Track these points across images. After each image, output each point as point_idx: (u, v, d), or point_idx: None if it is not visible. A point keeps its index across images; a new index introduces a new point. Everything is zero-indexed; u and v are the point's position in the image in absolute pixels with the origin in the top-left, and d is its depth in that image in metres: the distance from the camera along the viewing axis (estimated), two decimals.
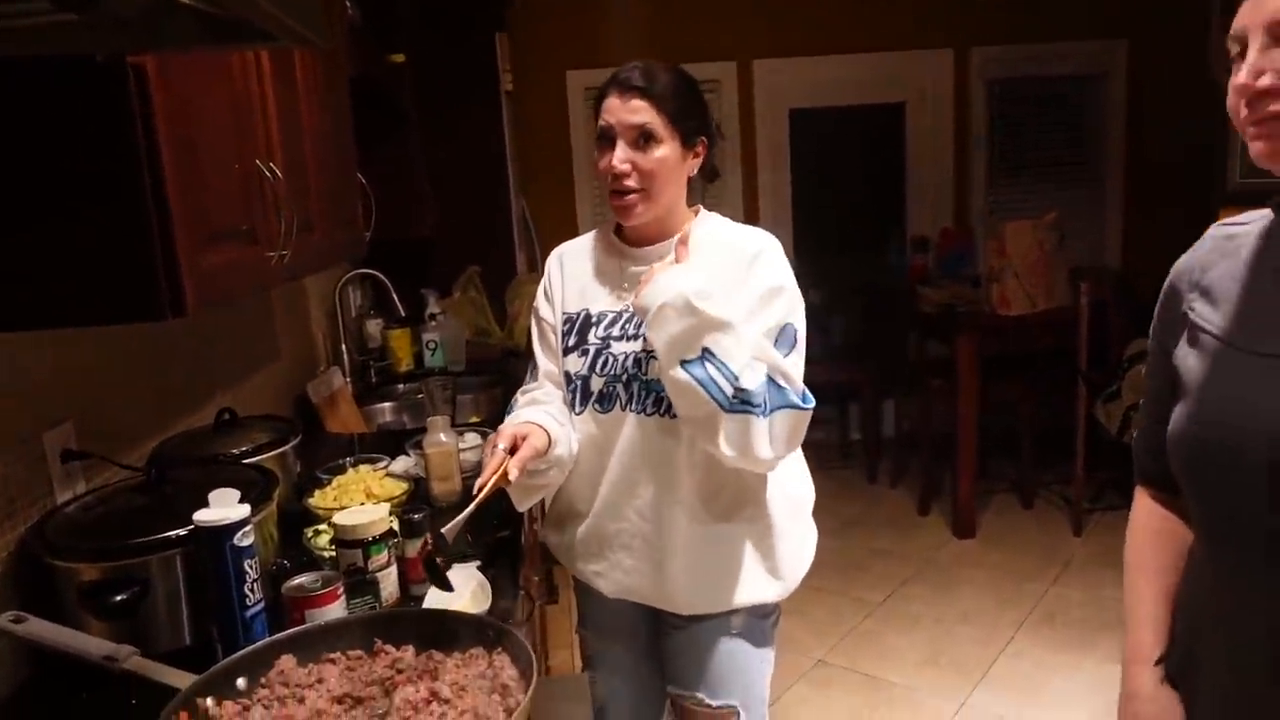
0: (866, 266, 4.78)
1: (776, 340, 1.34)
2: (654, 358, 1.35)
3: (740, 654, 1.50)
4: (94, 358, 1.41)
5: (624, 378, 1.42)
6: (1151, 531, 1.06)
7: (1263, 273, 0.90)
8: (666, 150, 1.39)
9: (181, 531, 1.16)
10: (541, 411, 1.44)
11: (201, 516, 1.14)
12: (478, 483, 1.27)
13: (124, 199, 0.98)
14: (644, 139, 1.37)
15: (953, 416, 3.69)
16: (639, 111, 1.37)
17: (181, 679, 0.98)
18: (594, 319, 1.47)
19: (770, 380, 1.31)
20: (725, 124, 4.61)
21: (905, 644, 3.00)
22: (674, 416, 1.36)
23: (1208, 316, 0.94)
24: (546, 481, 1.45)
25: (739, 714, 1.51)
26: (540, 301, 1.56)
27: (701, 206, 1.51)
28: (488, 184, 3.50)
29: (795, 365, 1.35)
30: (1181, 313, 0.98)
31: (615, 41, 4.37)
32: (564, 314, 1.50)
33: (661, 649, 1.56)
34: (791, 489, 1.50)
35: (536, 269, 4.04)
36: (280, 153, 1.41)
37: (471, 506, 1.23)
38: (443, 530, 1.20)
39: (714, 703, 1.50)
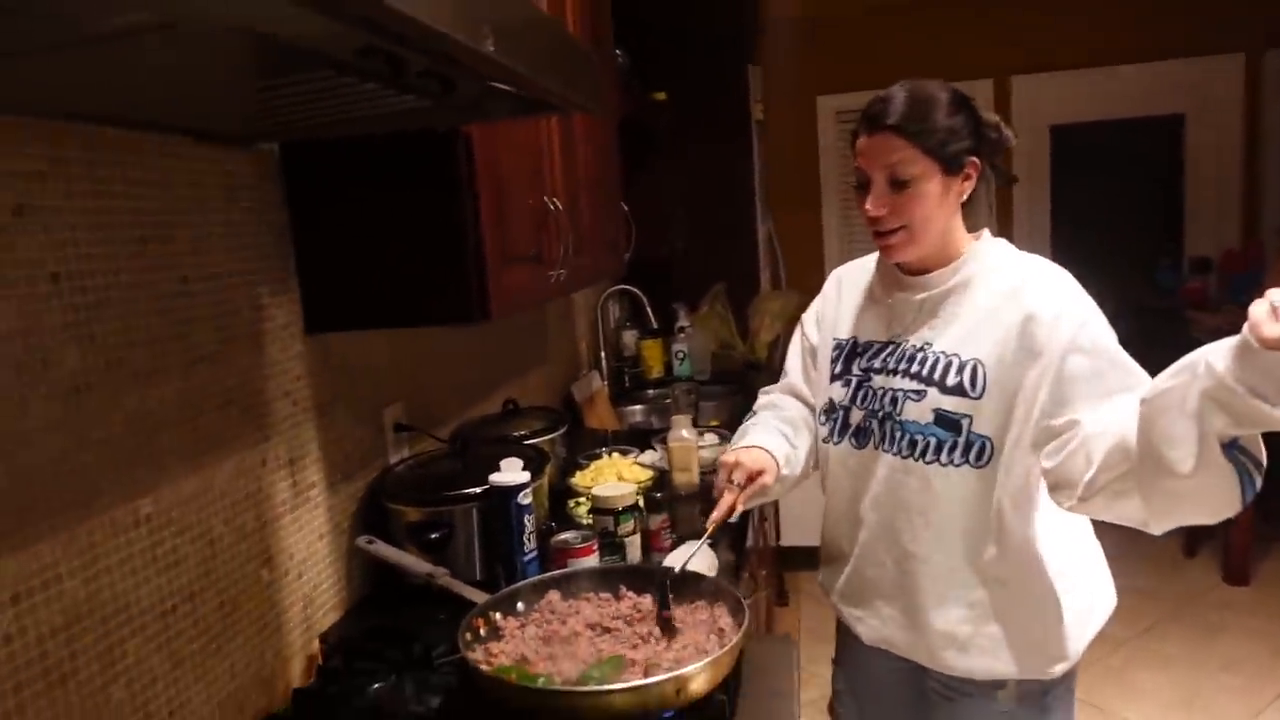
0: (1134, 289, 4.50)
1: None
2: (912, 398, 1.31)
3: None
4: (417, 354, 1.79)
5: (879, 414, 1.36)
6: None
7: None
8: (925, 186, 1.27)
9: (479, 489, 1.48)
10: (774, 429, 1.46)
11: (495, 478, 1.46)
12: (711, 518, 1.34)
13: (453, 231, 1.30)
14: (899, 180, 1.27)
15: None
16: (888, 152, 1.27)
17: (478, 596, 1.28)
18: (860, 348, 1.42)
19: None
20: None
21: (1154, 685, 2.85)
22: (928, 462, 1.30)
23: None
24: (772, 496, 1.46)
25: None
26: (810, 318, 1.56)
27: (986, 232, 1.39)
28: (735, 207, 3.74)
29: None
30: None
31: (866, 65, 4.47)
32: (834, 339, 1.46)
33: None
34: (1077, 546, 1.38)
35: (780, 287, 4.23)
36: (562, 190, 1.72)
37: (704, 539, 1.35)
38: (675, 568, 1.31)
39: None
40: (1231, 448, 1.00)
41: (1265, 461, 1.03)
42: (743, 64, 3.72)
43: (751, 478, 1.36)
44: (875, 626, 1.42)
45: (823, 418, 1.45)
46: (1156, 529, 1.13)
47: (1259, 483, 1.03)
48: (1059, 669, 1.33)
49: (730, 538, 1.66)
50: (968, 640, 1.33)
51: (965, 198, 1.32)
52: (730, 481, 1.36)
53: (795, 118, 4.58)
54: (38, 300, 0.91)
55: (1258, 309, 0.91)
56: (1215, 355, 0.97)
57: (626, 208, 2.59)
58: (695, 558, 1.35)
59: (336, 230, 1.36)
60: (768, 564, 3.13)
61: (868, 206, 1.30)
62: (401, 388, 1.72)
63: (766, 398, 1.60)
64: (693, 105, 3.54)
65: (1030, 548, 1.30)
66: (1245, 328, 0.92)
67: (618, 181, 2.30)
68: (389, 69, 0.81)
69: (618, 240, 2.34)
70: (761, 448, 1.41)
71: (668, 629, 1.22)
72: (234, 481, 1.21)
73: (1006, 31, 4.41)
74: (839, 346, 1.45)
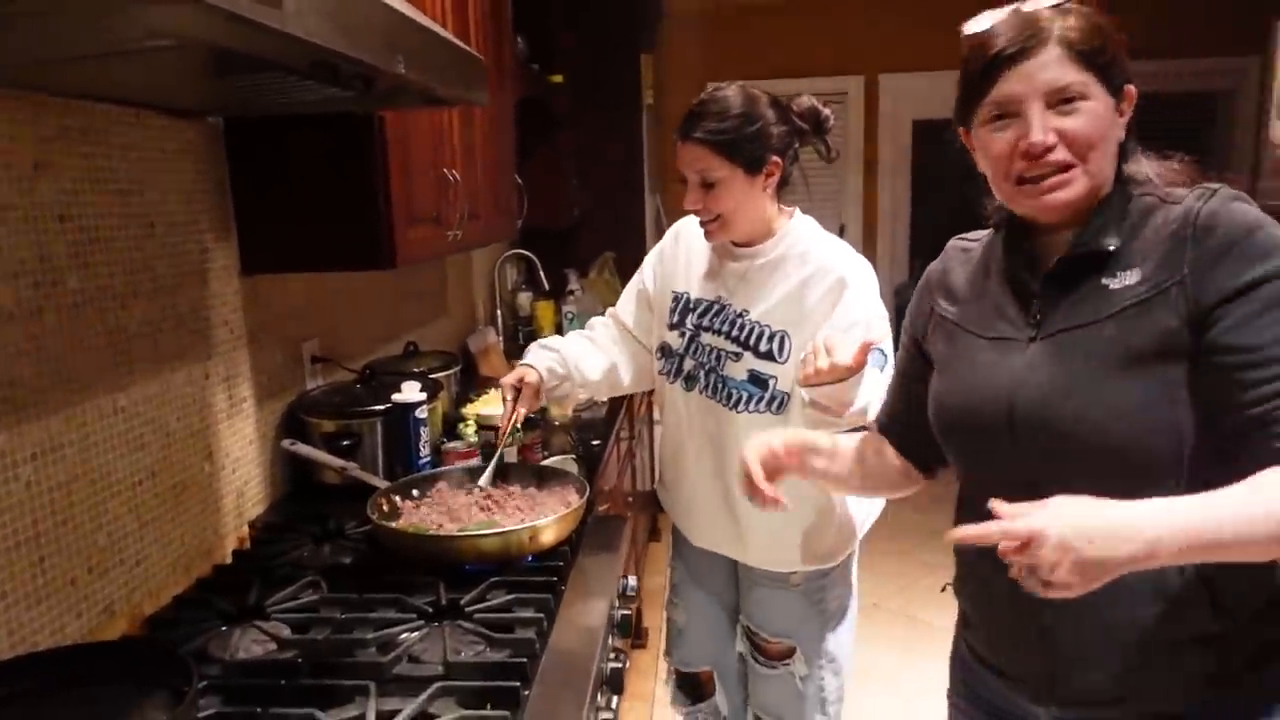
0: None
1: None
2: (732, 358, 1.63)
3: (798, 604, 1.75)
4: (332, 298, 2.10)
5: (706, 366, 1.66)
6: (868, 447, 1.32)
7: (986, 275, 1.14)
8: (730, 185, 1.55)
9: (384, 406, 1.81)
10: (546, 349, 1.77)
11: (397, 397, 1.80)
12: (500, 430, 1.66)
13: (366, 193, 1.61)
14: (707, 185, 1.56)
15: None
16: (697, 160, 1.56)
17: (382, 484, 1.63)
18: (693, 304, 1.70)
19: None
20: (850, 136, 5.05)
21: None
22: (739, 410, 1.63)
23: (950, 310, 1.18)
24: (565, 395, 1.79)
25: (795, 649, 1.77)
26: (648, 265, 1.83)
27: (797, 210, 1.68)
28: (625, 182, 4.11)
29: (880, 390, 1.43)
30: (929, 308, 1.22)
31: (751, 56, 4.88)
32: (673, 291, 1.74)
33: (737, 591, 1.86)
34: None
35: None
36: (460, 162, 2.04)
37: (499, 451, 1.67)
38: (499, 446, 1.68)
39: (772, 638, 1.79)
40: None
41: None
42: (635, 52, 4.08)
43: (518, 391, 1.69)
44: (703, 532, 1.81)
45: (659, 355, 1.78)
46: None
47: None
48: (832, 562, 1.75)
49: (589, 453, 2.04)
50: (770, 543, 1.72)
51: (774, 186, 1.62)
52: (504, 399, 1.70)
53: (688, 102, 4.95)
54: (50, 235, 1.20)
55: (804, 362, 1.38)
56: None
57: (523, 179, 2.92)
58: (561, 461, 1.73)
59: (269, 189, 1.66)
60: (641, 502, 3.55)
61: (687, 204, 1.63)
62: (318, 326, 2.02)
63: (592, 319, 1.94)
64: (589, 88, 3.87)
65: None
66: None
67: (511, 156, 2.63)
68: (328, 74, 1.14)
69: (511, 207, 2.68)
70: (528, 364, 1.73)
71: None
72: (184, 388, 1.52)
73: (878, 34, 4.89)
74: (677, 298, 1.75)
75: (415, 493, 1.63)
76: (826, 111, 1.66)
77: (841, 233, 4.78)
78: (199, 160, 1.56)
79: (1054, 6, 1.02)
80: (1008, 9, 1.05)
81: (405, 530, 1.45)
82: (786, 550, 1.72)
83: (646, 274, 1.86)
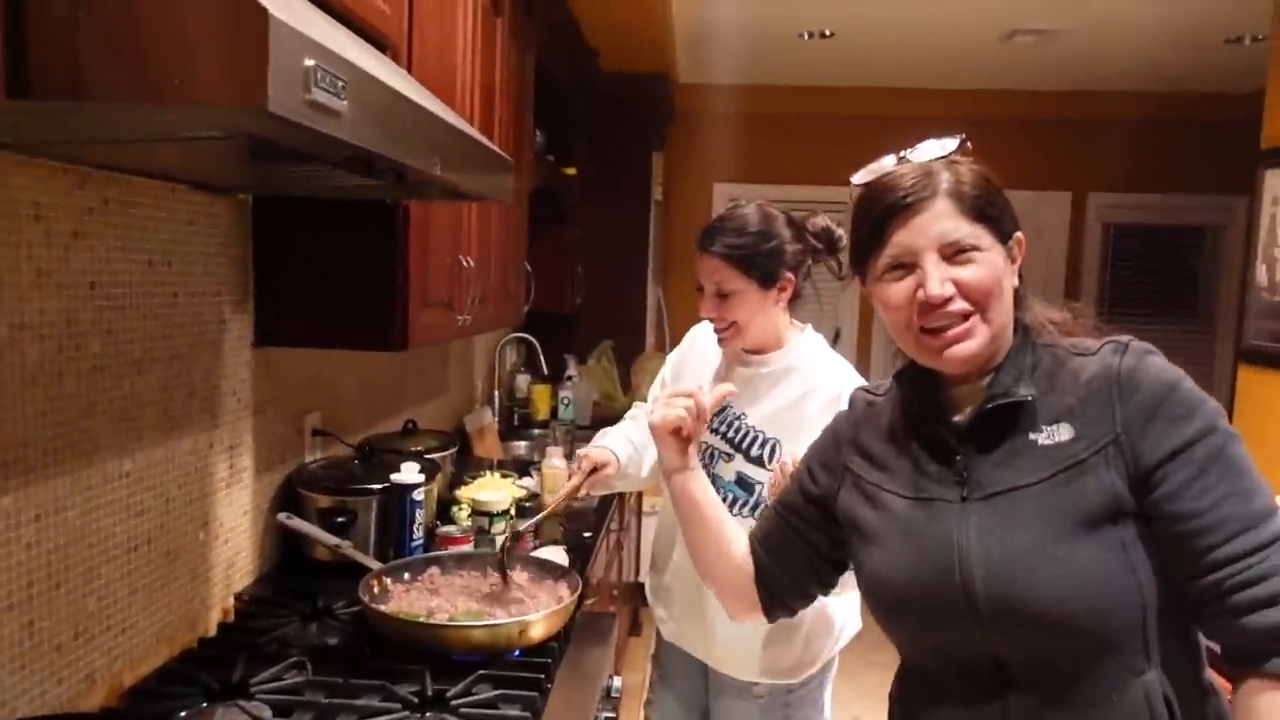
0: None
1: None
2: (724, 458, 1.69)
3: (755, 712, 1.74)
4: (338, 372, 2.12)
5: (702, 462, 1.55)
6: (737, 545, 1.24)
7: (899, 431, 1.10)
8: (745, 297, 1.64)
9: (381, 485, 1.82)
10: (624, 436, 1.84)
11: (395, 477, 1.81)
12: (556, 495, 1.73)
13: (385, 277, 1.65)
14: (722, 296, 1.66)
15: None
16: (714, 271, 1.65)
17: (373, 564, 1.62)
18: (711, 424, 1.71)
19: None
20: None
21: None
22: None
23: (870, 474, 1.11)
24: (614, 488, 1.89)
25: None
26: (672, 358, 1.93)
27: (809, 327, 1.76)
28: (629, 274, 4.21)
29: None
30: (841, 462, 1.16)
31: (759, 162, 5.05)
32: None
33: (708, 697, 1.84)
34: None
35: (664, 349, 4.69)
36: (475, 249, 2.10)
37: (544, 513, 1.75)
38: (519, 528, 1.75)
39: None
40: None
41: None
42: (647, 151, 4.22)
43: (596, 468, 1.74)
44: (673, 628, 1.82)
45: None
46: None
47: None
48: (800, 677, 1.72)
49: (581, 544, 2.04)
50: (733, 647, 1.71)
51: (786, 300, 1.69)
52: (578, 469, 1.75)
53: (693, 199, 5.10)
54: (80, 300, 1.23)
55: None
56: None
57: (531, 266, 2.99)
58: (552, 552, 1.73)
59: (290, 265, 1.70)
60: (624, 595, 3.51)
61: (702, 313, 1.71)
62: (321, 400, 2.05)
63: (629, 412, 2.00)
64: (601, 182, 3.99)
65: None
66: None
67: (523, 245, 2.70)
68: (364, 166, 1.19)
69: (518, 293, 2.73)
70: (608, 447, 1.80)
71: (507, 581, 1.59)
72: (188, 456, 1.53)
73: (879, 150, 5.05)
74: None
75: (407, 576, 1.63)
76: (840, 231, 1.70)
77: (836, 338, 4.86)
78: (226, 234, 1.61)
79: (941, 158, 1.04)
80: (892, 158, 1.08)
81: (395, 615, 1.44)
82: (748, 656, 1.71)
83: (666, 372, 1.95)
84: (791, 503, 1.22)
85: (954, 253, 1.00)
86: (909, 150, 1.07)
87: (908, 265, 1.01)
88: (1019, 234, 1.05)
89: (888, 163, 1.08)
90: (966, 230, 1.00)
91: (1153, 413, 0.95)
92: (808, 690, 1.76)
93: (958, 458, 1.03)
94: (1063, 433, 0.99)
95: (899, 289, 1.02)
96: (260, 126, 0.80)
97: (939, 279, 0.98)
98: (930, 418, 1.07)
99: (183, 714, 1.23)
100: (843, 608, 1.74)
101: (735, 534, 1.26)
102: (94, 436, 1.28)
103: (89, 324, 1.26)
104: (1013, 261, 1.04)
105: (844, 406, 1.52)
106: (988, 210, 1.01)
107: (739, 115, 4.99)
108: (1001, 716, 1.00)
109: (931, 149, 1.06)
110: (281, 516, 1.72)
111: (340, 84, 0.80)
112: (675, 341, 2.02)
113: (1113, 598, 0.94)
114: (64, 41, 0.70)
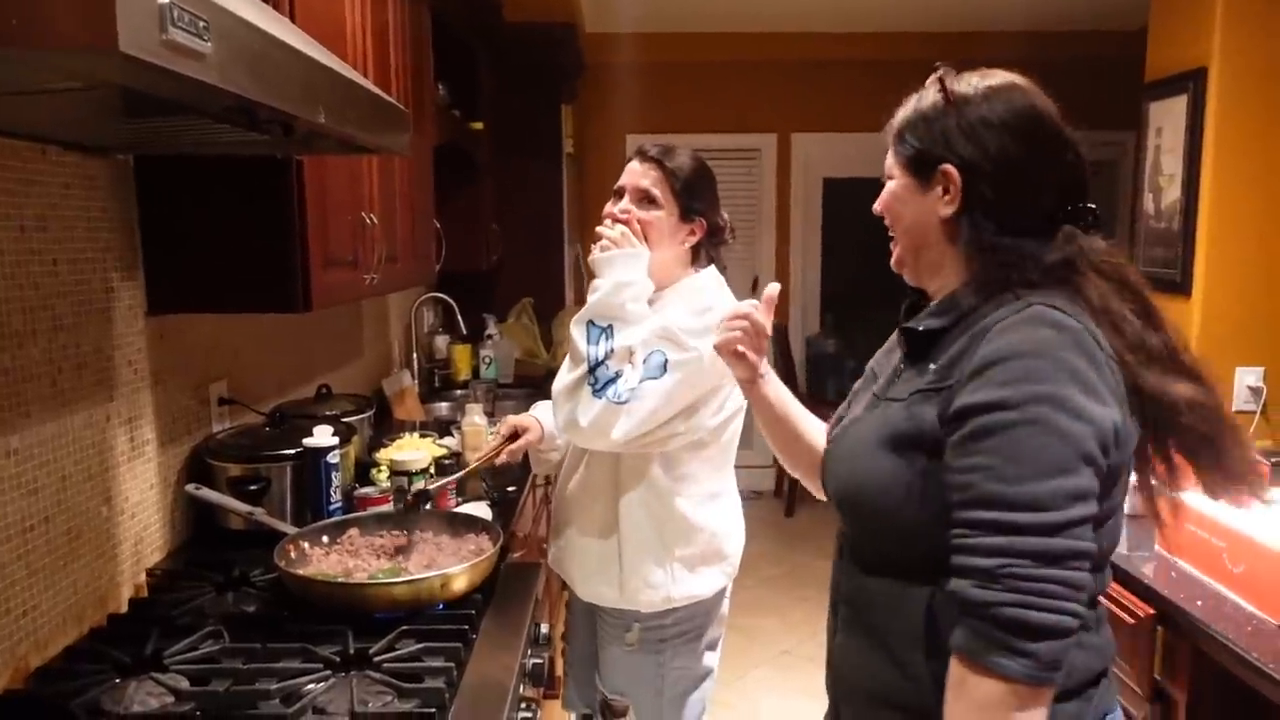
0: (887, 319, 5.28)
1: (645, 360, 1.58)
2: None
3: (632, 660, 1.74)
4: (242, 338, 2.06)
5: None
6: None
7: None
8: (662, 214, 1.65)
9: (294, 450, 1.78)
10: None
11: (308, 441, 1.77)
12: (476, 456, 1.74)
13: (282, 235, 1.60)
14: (646, 200, 1.66)
15: None
16: (648, 176, 1.66)
17: (289, 530, 1.59)
18: None
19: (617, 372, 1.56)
20: (764, 191, 5.21)
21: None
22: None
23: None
24: (549, 458, 1.85)
25: (629, 707, 1.77)
26: None
27: (714, 268, 1.74)
28: (545, 229, 4.16)
29: (639, 380, 1.56)
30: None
31: (671, 111, 5.02)
32: None
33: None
34: (675, 515, 1.69)
35: (584, 303, 4.67)
36: (378, 206, 2.05)
37: (461, 473, 1.75)
38: (429, 488, 1.74)
39: (609, 693, 1.79)
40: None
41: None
42: (557, 103, 4.15)
43: (516, 433, 1.74)
44: (553, 553, 1.85)
45: None
46: None
47: None
48: (633, 606, 1.71)
49: (505, 499, 2.04)
50: (595, 574, 1.72)
51: (689, 244, 1.70)
52: (499, 434, 1.75)
53: (606, 152, 5.06)
54: None
55: None
56: None
57: (443, 224, 2.93)
58: (476, 507, 1.73)
59: (180, 228, 1.64)
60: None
61: (614, 209, 1.68)
62: (226, 367, 1.98)
63: None
64: (510, 136, 3.92)
65: (668, 499, 1.68)
66: None
67: (430, 201, 2.65)
68: (245, 118, 1.14)
69: (429, 252, 2.68)
70: (532, 414, 1.80)
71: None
72: (83, 431, 1.47)
73: (790, 95, 5.10)
74: None
75: (325, 539, 1.61)
76: (730, 237, 1.78)
77: (755, 286, 4.91)
78: (107, 197, 1.53)
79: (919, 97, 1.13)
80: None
81: (313, 577, 1.42)
82: (606, 578, 1.70)
83: None
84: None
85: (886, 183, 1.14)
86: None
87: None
88: (947, 167, 1.05)
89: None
90: (890, 166, 1.14)
91: (980, 370, 0.96)
92: (682, 639, 1.75)
93: (898, 368, 1.15)
94: (933, 366, 1.05)
95: None
96: (115, 71, 0.76)
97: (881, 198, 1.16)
98: (902, 323, 1.17)
99: (93, 690, 1.19)
100: (683, 534, 1.70)
101: (814, 426, 1.36)
102: None
103: None
104: (945, 194, 1.07)
105: (709, 316, 1.55)
106: (900, 144, 1.12)
107: (648, 64, 4.95)
108: (838, 574, 1.19)
109: (924, 93, 1.12)
110: (190, 488, 1.67)
111: (201, 24, 0.76)
112: None
113: (894, 505, 1.03)
114: None
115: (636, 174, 1.68)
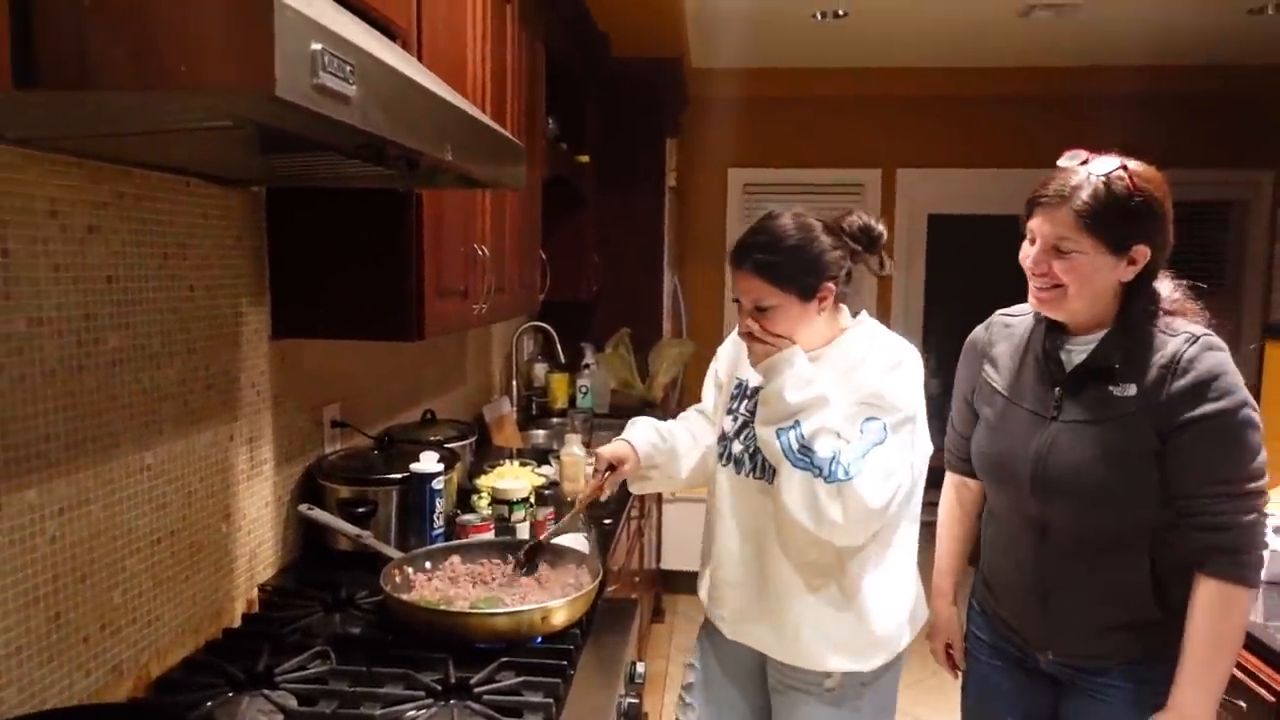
0: None
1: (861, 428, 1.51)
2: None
3: (829, 716, 1.61)
4: (354, 363, 2.13)
5: (751, 449, 1.63)
6: (956, 504, 1.77)
7: (1024, 354, 1.57)
8: (784, 311, 1.55)
9: (401, 475, 1.82)
10: (649, 429, 1.75)
11: (414, 467, 1.81)
12: (581, 496, 1.69)
13: (399, 266, 1.65)
14: (762, 308, 1.56)
15: None
16: (751, 288, 1.57)
17: (394, 554, 1.63)
18: (749, 391, 1.68)
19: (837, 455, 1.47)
20: None
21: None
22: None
23: (995, 379, 1.61)
24: (652, 480, 1.76)
25: None
26: (725, 347, 1.83)
27: (864, 314, 1.70)
28: (645, 260, 4.18)
29: (865, 451, 1.49)
30: (977, 372, 1.65)
31: (774, 145, 5.01)
32: (738, 378, 1.72)
33: (763, 698, 1.72)
34: (882, 579, 1.60)
35: (681, 335, 4.67)
36: (489, 238, 2.10)
37: (569, 515, 1.72)
38: (541, 539, 1.70)
39: None
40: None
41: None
42: (661, 137, 4.19)
43: (612, 466, 1.68)
44: (732, 627, 1.68)
45: (718, 443, 1.73)
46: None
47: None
48: (874, 663, 1.60)
49: (600, 530, 2.04)
50: (806, 634, 1.58)
51: (829, 307, 1.60)
52: (595, 470, 1.70)
53: (708, 185, 5.07)
54: (98, 295, 1.24)
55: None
56: None
57: (546, 254, 2.98)
58: (573, 540, 1.73)
59: (305, 257, 1.70)
60: (646, 582, 3.51)
61: (739, 329, 1.63)
62: (340, 391, 2.05)
63: (685, 411, 1.89)
64: (614, 168, 3.97)
65: (856, 558, 1.58)
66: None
67: (537, 233, 2.70)
68: (375, 154, 1.18)
69: (534, 282, 2.73)
70: (625, 441, 1.72)
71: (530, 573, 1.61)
72: (209, 449, 1.54)
73: (895, 130, 5.02)
74: (740, 386, 1.72)
75: (428, 565, 1.63)
76: (880, 228, 1.66)
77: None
78: (240, 226, 1.61)
79: (1099, 176, 1.40)
80: (1077, 156, 1.45)
81: (417, 604, 1.44)
82: (819, 640, 1.59)
83: (721, 361, 1.84)
84: (961, 418, 1.72)
85: (1055, 248, 1.42)
86: (1086, 160, 1.43)
87: (1032, 239, 1.47)
88: (1141, 247, 1.40)
89: (1070, 159, 1.45)
90: (1072, 238, 1.40)
91: (1191, 390, 1.38)
92: (880, 683, 1.65)
93: (1056, 390, 1.50)
94: (1129, 390, 1.42)
95: (1026, 249, 1.49)
96: (268, 112, 0.80)
97: (1036, 259, 1.46)
98: (1050, 352, 1.51)
99: (209, 703, 1.23)
100: (906, 589, 1.67)
101: (967, 505, 1.79)
102: (114, 430, 1.29)
103: (106, 318, 1.26)
104: (1130, 264, 1.41)
105: (902, 370, 1.62)
106: (1099, 228, 1.38)
107: (753, 99, 4.95)
108: (1031, 550, 1.54)
109: (1095, 166, 1.41)
110: (303, 508, 1.72)
111: (348, 68, 0.79)
112: (692, 328, 1.97)
113: (1128, 500, 1.43)
114: (70, 28, 0.70)
115: (741, 289, 1.60)
